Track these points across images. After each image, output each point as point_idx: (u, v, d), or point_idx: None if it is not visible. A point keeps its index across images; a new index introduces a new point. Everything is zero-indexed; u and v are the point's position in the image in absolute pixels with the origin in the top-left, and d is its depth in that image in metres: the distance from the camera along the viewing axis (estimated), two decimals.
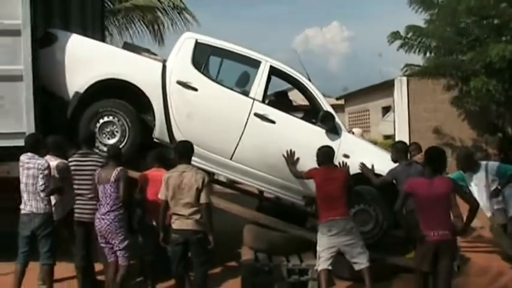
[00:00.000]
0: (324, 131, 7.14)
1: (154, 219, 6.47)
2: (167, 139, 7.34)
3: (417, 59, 14.24)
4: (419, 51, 13.65)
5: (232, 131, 7.22)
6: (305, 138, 7.13)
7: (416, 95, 15.55)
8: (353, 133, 7.42)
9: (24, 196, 6.26)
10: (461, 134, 14.73)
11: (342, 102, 24.38)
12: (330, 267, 6.25)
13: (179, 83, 7.25)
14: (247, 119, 7.19)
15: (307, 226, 8.02)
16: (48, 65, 7.32)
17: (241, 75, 7.68)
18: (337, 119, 7.21)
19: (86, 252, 6.60)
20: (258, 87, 7.28)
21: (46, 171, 6.22)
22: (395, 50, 13.69)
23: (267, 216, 7.62)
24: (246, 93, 7.34)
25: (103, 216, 6.15)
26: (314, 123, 7.29)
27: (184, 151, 6.14)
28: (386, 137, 17.44)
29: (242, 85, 7.57)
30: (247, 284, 6.90)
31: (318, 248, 6.37)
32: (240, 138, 7.19)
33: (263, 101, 7.31)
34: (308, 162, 6.81)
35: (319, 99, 7.36)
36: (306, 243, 7.30)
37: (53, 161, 6.50)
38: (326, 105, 7.31)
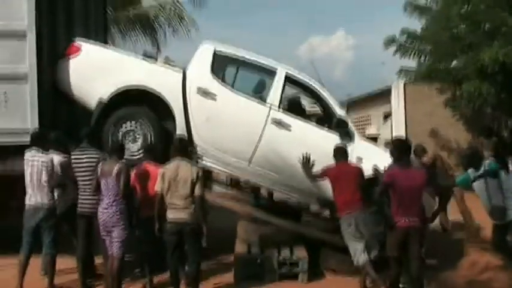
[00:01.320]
0: (337, 136, 7.49)
1: (147, 213, 6.61)
2: (190, 147, 7.63)
3: (414, 63, 14.64)
4: (414, 55, 14.07)
5: (250, 137, 7.55)
6: (320, 143, 7.45)
7: (413, 99, 15.99)
8: (365, 138, 7.73)
9: (29, 190, 6.61)
10: (457, 137, 15.16)
11: (344, 109, 24.61)
12: (367, 257, 6.57)
13: (199, 90, 7.58)
14: (265, 125, 7.54)
15: (301, 221, 8.42)
16: (72, 74, 7.70)
17: (258, 83, 8.03)
18: (350, 125, 7.57)
19: (87, 244, 6.86)
20: (274, 94, 7.65)
21: (50, 166, 6.59)
22: (397, 58, 14.12)
23: (260, 211, 7.95)
24: (263, 100, 7.69)
25: (104, 210, 6.36)
26: (328, 129, 7.64)
27: (180, 146, 6.46)
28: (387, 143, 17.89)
29: (259, 92, 7.92)
30: (239, 275, 7.21)
31: (347, 243, 6.68)
32: (258, 144, 7.53)
33: (279, 108, 7.66)
34: (323, 166, 7.14)
35: (332, 106, 7.73)
36: (297, 236, 7.70)
37: (56, 157, 6.83)
38: (340, 111, 7.68)
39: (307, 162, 7.29)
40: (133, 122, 7.65)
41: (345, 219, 6.64)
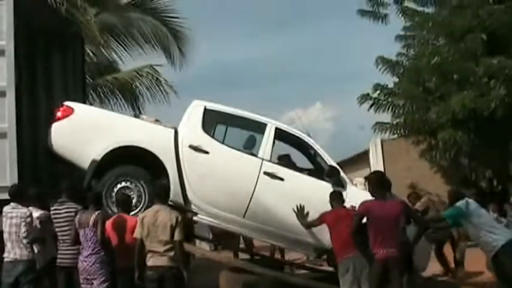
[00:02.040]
0: (330, 185, 7.62)
1: (124, 263, 6.63)
2: (182, 201, 7.72)
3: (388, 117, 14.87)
4: (388, 110, 14.31)
5: (244, 190, 7.65)
6: (313, 193, 7.60)
7: (391, 155, 16.15)
8: (356, 184, 7.92)
9: (8, 245, 6.65)
10: (437, 190, 15.39)
11: None
12: None
13: (191, 147, 7.73)
14: (258, 178, 7.65)
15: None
16: (66, 136, 7.82)
17: (249, 138, 8.22)
18: (342, 173, 7.76)
19: None
20: (265, 147, 7.83)
21: (28, 219, 6.67)
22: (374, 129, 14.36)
23: (242, 260, 8.02)
24: (254, 154, 7.85)
25: (85, 259, 6.43)
26: (320, 179, 7.78)
27: (160, 192, 6.61)
28: None
29: (250, 147, 8.09)
30: None
31: None
32: (252, 197, 7.62)
33: (271, 160, 7.82)
34: (318, 215, 7.27)
35: (323, 156, 7.92)
36: (280, 285, 7.65)
37: (35, 212, 6.92)
38: (331, 161, 7.87)
39: (301, 212, 7.44)
40: (128, 182, 7.69)
41: (343, 264, 6.71)
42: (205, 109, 7.98)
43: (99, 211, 6.61)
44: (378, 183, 6.15)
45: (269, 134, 7.89)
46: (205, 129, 7.92)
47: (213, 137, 7.96)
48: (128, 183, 7.71)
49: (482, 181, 14.91)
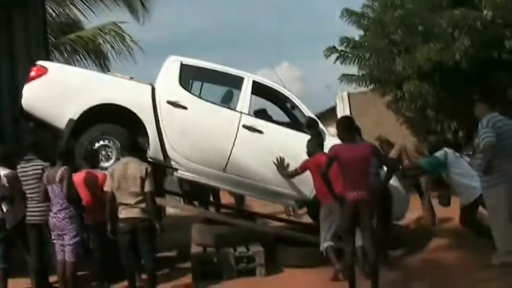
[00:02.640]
0: (309, 136, 7.70)
1: (95, 218, 6.78)
2: (161, 157, 7.73)
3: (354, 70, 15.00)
4: (354, 62, 14.43)
5: (223, 144, 7.69)
6: (292, 145, 7.69)
7: (358, 109, 16.14)
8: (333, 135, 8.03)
9: None
10: (404, 142, 15.68)
11: None
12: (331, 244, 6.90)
13: (169, 102, 7.68)
14: (237, 131, 7.70)
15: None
16: (40, 96, 7.63)
17: (226, 92, 8.23)
18: (320, 124, 7.87)
19: (39, 256, 6.90)
20: (243, 100, 7.84)
21: None
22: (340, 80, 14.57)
23: (214, 212, 8.13)
24: (232, 108, 7.87)
25: (54, 215, 6.45)
26: (299, 130, 7.88)
27: (128, 144, 6.65)
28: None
29: (228, 101, 8.11)
30: (197, 275, 7.25)
31: (321, 230, 7.02)
32: (231, 150, 7.67)
33: (249, 114, 7.87)
34: (298, 166, 7.41)
35: (302, 108, 8.01)
36: (253, 234, 7.87)
37: (2, 171, 6.93)
38: (309, 112, 7.96)
39: (282, 163, 7.55)
40: (106, 141, 7.63)
41: (327, 207, 6.88)
42: (181, 64, 7.90)
43: (64, 167, 6.52)
44: (345, 127, 6.13)
45: (247, 87, 7.88)
46: (182, 85, 7.86)
47: (190, 91, 7.93)
48: (106, 142, 7.63)
49: (448, 132, 15.24)
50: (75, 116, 7.53)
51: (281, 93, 8.19)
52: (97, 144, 7.62)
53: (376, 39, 14.00)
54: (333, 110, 17.81)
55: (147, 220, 6.27)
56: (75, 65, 15.94)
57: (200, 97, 7.98)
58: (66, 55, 16.08)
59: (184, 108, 7.71)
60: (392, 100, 14.86)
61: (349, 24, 14.61)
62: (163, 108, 7.70)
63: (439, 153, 7.43)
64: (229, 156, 7.68)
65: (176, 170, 7.85)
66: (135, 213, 6.24)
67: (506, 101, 12.46)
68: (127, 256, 6.35)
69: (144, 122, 7.64)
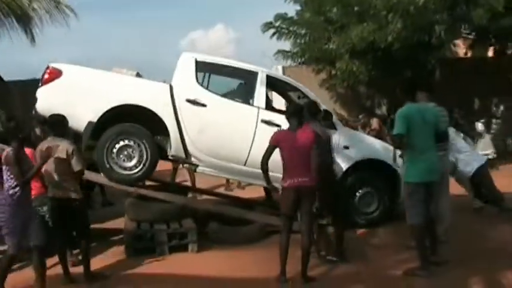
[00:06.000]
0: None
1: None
2: (183, 155, 7.81)
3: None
4: (290, 38, 14.96)
5: (243, 139, 7.86)
6: None
7: None
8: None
9: None
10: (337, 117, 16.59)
11: None
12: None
13: (188, 101, 7.73)
14: (256, 126, 7.90)
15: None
16: (56, 99, 7.44)
17: (242, 87, 8.39)
18: (334, 116, 8.35)
19: None
20: (259, 96, 8.04)
21: None
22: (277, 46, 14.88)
23: (147, 189, 8.24)
24: (250, 103, 8.06)
25: None
26: None
27: (55, 124, 6.43)
28: None
29: (244, 96, 8.28)
30: (130, 250, 7.32)
31: None
32: (251, 145, 7.86)
33: (266, 108, 8.11)
34: None
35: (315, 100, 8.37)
36: (185, 211, 7.93)
37: None
38: (322, 105, 8.40)
39: None
40: (126, 141, 7.57)
41: None
42: (196, 61, 7.95)
43: (10, 148, 5.90)
44: (291, 113, 6.31)
45: (261, 81, 8.08)
46: (199, 82, 7.95)
47: (207, 88, 8.03)
48: (127, 141, 7.57)
49: (378, 109, 16.32)
50: (95, 119, 7.43)
51: (294, 85, 8.54)
52: (117, 145, 7.55)
53: (312, 16, 14.44)
54: None
55: (77, 200, 6.24)
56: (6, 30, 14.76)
57: (218, 93, 8.07)
58: None
59: (204, 105, 7.78)
60: (326, 78, 15.48)
61: (286, 1, 15.02)
62: (182, 106, 7.72)
63: None
64: (250, 151, 7.85)
65: (197, 166, 7.95)
66: (63, 192, 6.19)
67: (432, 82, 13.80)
68: (57, 234, 6.33)
69: (165, 121, 7.63)
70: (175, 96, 7.72)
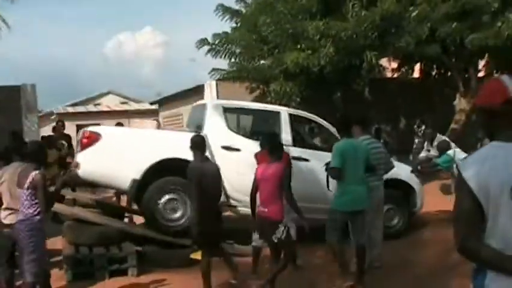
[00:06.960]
0: None
1: None
2: (225, 198, 7.81)
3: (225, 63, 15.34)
4: (225, 56, 14.90)
5: None
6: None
7: (226, 97, 16.19)
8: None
9: None
10: None
11: (156, 107, 24.51)
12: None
13: (224, 147, 7.96)
14: None
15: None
16: (96, 162, 7.61)
17: (268, 127, 8.60)
18: None
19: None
20: (285, 134, 8.35)
21: None
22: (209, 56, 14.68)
23: (86, 211, 8.29)
24: None
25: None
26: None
27: (30, 149, 6.14)
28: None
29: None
30: (70, 275, 7.18)
31: None
32: None
33: (293, 145, 8.39)
34: None
35: (331, 129, 8.60)
36: (124, 235, 7.85)
37: None
38: (336, 133, 8.75)
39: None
40: (171, 194, 7.74)
41: None
42: (224, 108, 8.16)
43: (37, 171, 5.67)
44: (272, 145, 6.68)
45: (285, 120, 8.41)
46: (230, 128, 8.18)
47: (238, 133, 8.21)
48: (172, 195, 7.73)
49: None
50: (138, 176, 7.63)
51: (312, 119, 9.01)
52: (163, 199, 7.70)
53: (247, 34, 14.56)
54: (200, 88, 18.00)
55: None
56: None
57: (248, 136, 8.31)
58: None
59: (238, 150, 8.00)
60: (259, 95, 15.56)
61: (223, 20, 15.07)
62: (218, 153, 7.90)
63: (450, 152, 9.11)
64: None
65: (235, 207, 8.15)
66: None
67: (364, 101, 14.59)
68: (6, 262, 6.23)
69: None
70: (210, 144, 7.77)
